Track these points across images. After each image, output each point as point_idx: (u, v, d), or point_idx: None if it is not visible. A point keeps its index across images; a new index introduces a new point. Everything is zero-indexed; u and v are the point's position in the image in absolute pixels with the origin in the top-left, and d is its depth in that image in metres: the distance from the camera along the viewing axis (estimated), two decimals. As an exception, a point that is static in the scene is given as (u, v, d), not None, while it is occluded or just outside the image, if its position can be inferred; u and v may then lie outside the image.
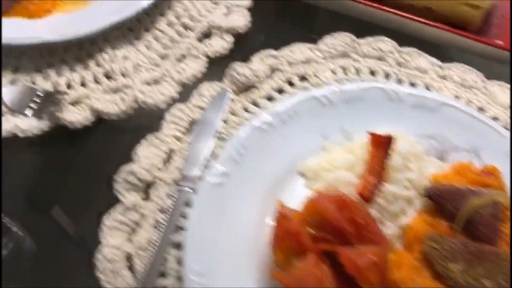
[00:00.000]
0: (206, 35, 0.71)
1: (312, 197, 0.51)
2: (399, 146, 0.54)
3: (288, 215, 0.48)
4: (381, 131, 0.55)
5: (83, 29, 0.65)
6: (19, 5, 0.68)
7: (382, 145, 0.53)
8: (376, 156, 0.53)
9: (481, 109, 0.65)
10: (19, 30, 0.66)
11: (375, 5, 0.69)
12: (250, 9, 0.73)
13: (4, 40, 0.65)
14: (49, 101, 0.62)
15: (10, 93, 0.63)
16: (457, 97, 0.65)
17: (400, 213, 0.52)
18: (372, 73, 0.67)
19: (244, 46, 0.71)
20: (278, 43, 0.70)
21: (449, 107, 0.59)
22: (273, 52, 0.68)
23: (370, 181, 0.52)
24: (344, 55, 0.68)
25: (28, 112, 0.62)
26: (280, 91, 0.66)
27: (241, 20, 0.71)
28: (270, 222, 0.53)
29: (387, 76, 0.67)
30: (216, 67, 0.69)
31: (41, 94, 0.63)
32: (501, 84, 0.67)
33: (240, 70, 0.65)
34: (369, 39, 0.69)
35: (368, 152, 0.54)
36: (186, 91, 0.66)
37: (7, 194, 0.60)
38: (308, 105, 0.59)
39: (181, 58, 0.68)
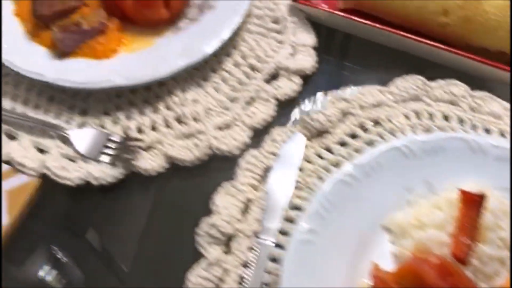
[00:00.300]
0: (273, 76, 0.70)
1: (407, 260, 0.50)
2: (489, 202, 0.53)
3: (387, 281, 0.47)
4: (469, 186, 0.54)
5: (153, 73, 0.64)
6: (85, 45, 0.67)
7: (474, 203, 0.52)
8: (467, 215, 0.52)
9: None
10: (88, 72, 0.65)
11: (445, 47, 0.68)
12: (314, 48, 0.72)
13: (73, 84, 0.64)
14: (123, 148, 0.61)
15: (80, 138, 0.63)
16: (533, 143, 0.64)
17: (494, 275, 0.51)
18: (446, 118, 0.66)
19: (310, 87, 0.70)
20: (345, 85, 0.69)
21: (534, 159, 0.58)
22: (345, 95, 0.67)
23: (463, 241, 0.51)
24: (416, 98, 0.67)
25: (104, 158, 0.61)
26: (353, 136, 0.65)
27: (308, 60, 0.70)
28: (360, 280, 0.52)
29: (461, 121, 0.66)
30: (284, 109, 0.68)
31: (116, 140, 0.62)
32: None
33: (314, 115, 0.64)
34: (441, 82, 0.68)
35: (458, 209, 0.53)
36: (256, 134, 0.65)
37: (82, 242, 0.59)
38: (390, 156, 0.58)
39: (250, 101, 0.67)
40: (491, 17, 0.67)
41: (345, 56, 0.74)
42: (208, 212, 0.58)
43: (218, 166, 0.63)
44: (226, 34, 0.68)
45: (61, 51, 0.66)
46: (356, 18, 0.71)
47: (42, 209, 0.60)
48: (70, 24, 0.66)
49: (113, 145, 0.62)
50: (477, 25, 0.68)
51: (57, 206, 0.61)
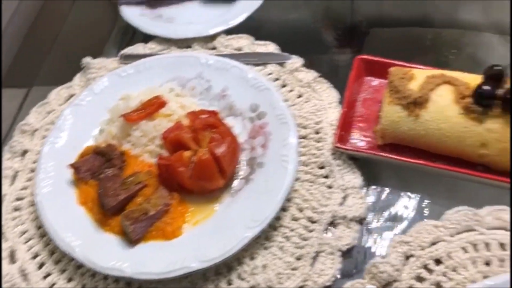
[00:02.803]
0: (331, 225, 0.74)
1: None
2: None
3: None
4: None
5: (224, 249, 0.67)
6: (154, 228, 0.71)
7: None
8: None
9: None
10: (163, 259, 0.68)
11: (485, 175, 0.72)
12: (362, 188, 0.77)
13: (153, 276, 0.67)
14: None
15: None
16: None
17: None
18: (501, 245, 0.70)
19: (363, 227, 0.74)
20: (397, 219, 0.74)
21: None
22: (404, 237, 0.71)
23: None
24: (470, 229, 0.71)
25: None
26: (420, 278, 0.68)
27: (360, 204, 0.74)
28: None
29: (517, 247, 0.70)
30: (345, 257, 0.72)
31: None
32: None
33: (381, 267, 0.67)
34: (489, 209, 0.72)
35: None
36: (327, 288, 0.69)
37: None
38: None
39: (315, 256, 0.71)
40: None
41: (393, 188, 0.78)
42: None
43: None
44: (282, 196, 0.72)
45: (133, 240, 0.70)
46: (394, 157, 0.75)
47: None
48: (139, 215, 0.70)
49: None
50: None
51: None
